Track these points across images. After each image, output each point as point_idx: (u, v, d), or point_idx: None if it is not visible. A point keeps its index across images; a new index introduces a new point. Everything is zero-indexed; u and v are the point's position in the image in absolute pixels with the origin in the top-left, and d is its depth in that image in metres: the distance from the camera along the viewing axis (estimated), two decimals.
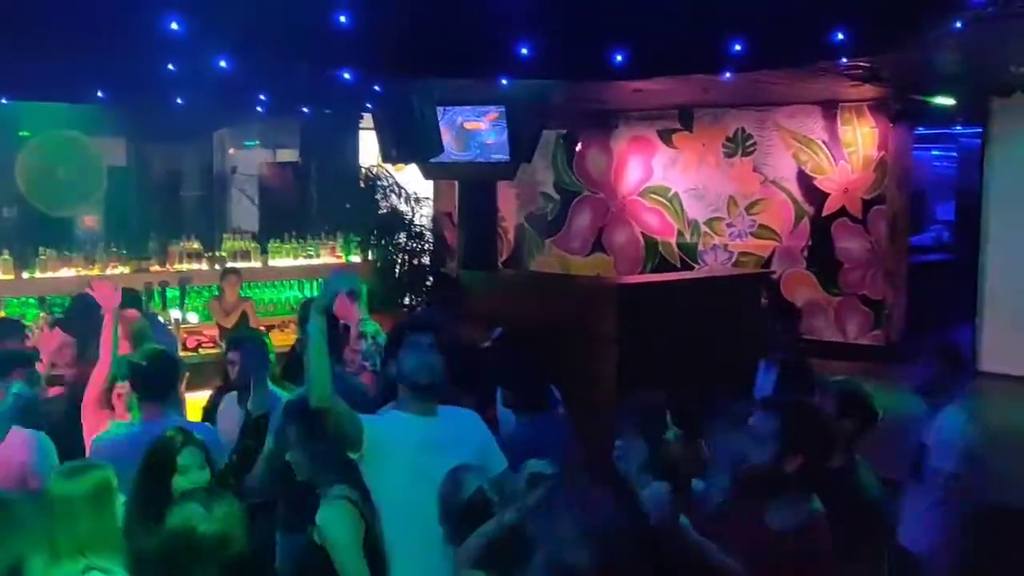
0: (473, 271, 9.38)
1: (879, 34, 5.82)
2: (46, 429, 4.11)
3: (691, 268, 12.05)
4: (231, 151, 13.46)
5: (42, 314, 8.04)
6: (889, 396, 4.45)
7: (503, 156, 9.35)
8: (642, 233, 12.71)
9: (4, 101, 7.97)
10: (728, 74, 6.65)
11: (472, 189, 10.04)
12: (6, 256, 8.52)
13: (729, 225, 11.98)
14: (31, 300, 8.60)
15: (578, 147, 13.06)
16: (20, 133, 10.68)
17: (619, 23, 5.17)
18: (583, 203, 13.22)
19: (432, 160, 9.14)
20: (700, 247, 12.22)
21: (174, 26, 3.79)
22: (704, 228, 12.18)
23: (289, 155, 13.67)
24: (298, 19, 4.06)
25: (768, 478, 2.80)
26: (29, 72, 4.95)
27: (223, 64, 4.52)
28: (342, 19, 4.02)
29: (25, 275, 8.63)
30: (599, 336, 6.77)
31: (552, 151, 13.11)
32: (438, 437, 3.28)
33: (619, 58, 5.73)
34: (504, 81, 6.39)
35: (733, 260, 11.92)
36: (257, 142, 13.13)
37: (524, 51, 4.79)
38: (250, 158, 13.68)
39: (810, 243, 11.36)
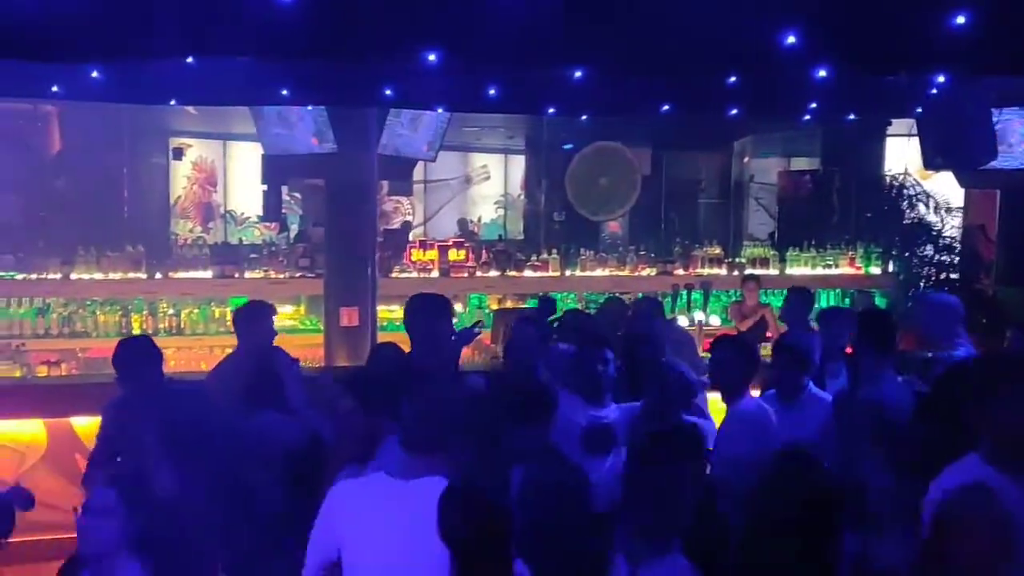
0: (1012, 288, 8.54)
1: None
2: None
3: None
4: (746, 159, 13.69)
5: None
6: None
7: None
8: None
9: (584, 118, 8.99)
10: None
11: (1017, 198, 9.07)
12: (555, 255, 9.63)
13: None
14: (571, 295, 9.63)
15: None
16: (564, 146, 11.93)
17: None
18: None
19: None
20: None
21: (791, 40, 3.95)
22: None
23: (805, 163, 13.54)
24: (903, 22, 3.95)
25: None
26: (610, 91, 5.53)
27: (823, 74, 4.61)
28: (960, 19, 3.85)
29: (567, 272, 9.67)
30: None
31: None
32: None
33: None
34: None
35: None
36: (775, 151, 13.20)
37: None
38: (766, 166, 13.80)
39: None
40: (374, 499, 2.94)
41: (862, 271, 10.03)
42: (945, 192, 10.60)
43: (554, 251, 9.75)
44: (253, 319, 5.02)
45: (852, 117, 6.74)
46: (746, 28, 3.91)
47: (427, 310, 4.77)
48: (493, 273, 9.45)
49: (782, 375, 4.85)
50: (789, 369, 4.83)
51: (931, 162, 7.57)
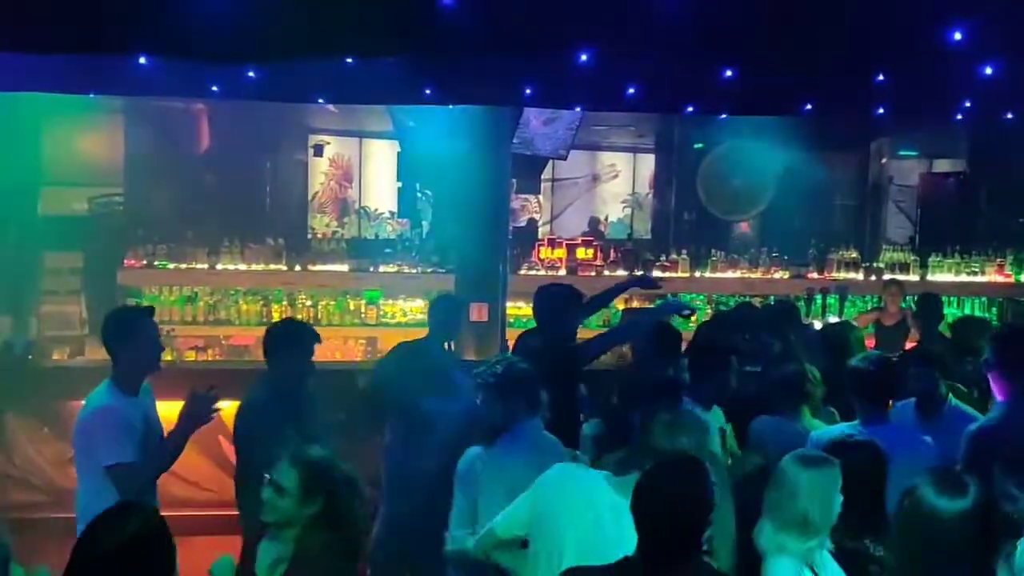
0: None
1: None
2: None
3: None
4: (883, 160, 13.19)
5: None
6: None
7: None
8: None
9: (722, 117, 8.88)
10: None
11: None
12: (684, 256, 9.51)
13: None
14: (700, 297, 9.49)
15: None
16: (695, 145, 11.77)
17: None
18: None
19: None
20: None
21: (957, 36, 3.80)
22: None
23: (948, 164, 12.97)
24: None
25: None
26: (751, 89, 5.42)
27: (988, 71, 4.42)
28: None
29: (696, 274, 9.55)
30: None
31: None
32: None
33: None
34: None
35: None
36: (916, 152, 12.68)
37: None
38: (905, 168, 13.26)
39: None
40: (583, 486, 3.18)
41: (1012, 279, 9.57)
42: None
43: (683, 251, 9.65)
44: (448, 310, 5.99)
45: (1010, 116, 6.41)
46: (905, 21, 3.78)
47: (556, 300, 5.17)
48: (621, 272, 9.42)
49: (919, 389, 4.63)
50: (925, 382, 4.61)
51: None
